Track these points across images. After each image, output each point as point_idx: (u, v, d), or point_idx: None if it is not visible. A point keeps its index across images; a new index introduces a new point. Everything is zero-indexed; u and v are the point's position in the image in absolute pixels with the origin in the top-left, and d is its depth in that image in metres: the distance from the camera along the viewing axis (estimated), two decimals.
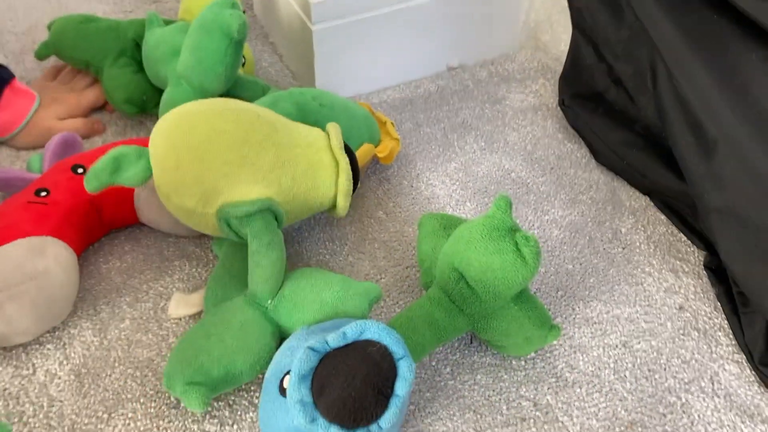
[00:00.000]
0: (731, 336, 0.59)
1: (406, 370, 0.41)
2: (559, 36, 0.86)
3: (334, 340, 0.41)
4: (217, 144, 0.52)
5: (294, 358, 0.44)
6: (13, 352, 0.56)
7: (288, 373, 0.44)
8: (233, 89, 0.70)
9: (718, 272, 0.62)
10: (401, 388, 0.41)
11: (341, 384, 0.39)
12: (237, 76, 0.68)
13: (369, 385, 0.39)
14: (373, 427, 0.40)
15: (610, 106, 0.73)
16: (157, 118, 0.75)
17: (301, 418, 0.39)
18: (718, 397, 0.55)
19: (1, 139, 0.72)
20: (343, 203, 0.57)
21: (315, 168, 0.56)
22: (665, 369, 0.57)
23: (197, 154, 0.51)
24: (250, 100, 0.65)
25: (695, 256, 0.65)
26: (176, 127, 0.53)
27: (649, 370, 0.56)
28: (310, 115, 0.64)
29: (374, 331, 0.41)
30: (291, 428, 0.43)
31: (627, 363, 0.57)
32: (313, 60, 0.76)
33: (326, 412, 0.39)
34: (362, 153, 0.65)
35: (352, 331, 0.41)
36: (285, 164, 0.54)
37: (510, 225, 0.49)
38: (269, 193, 0.53)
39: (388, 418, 0.40)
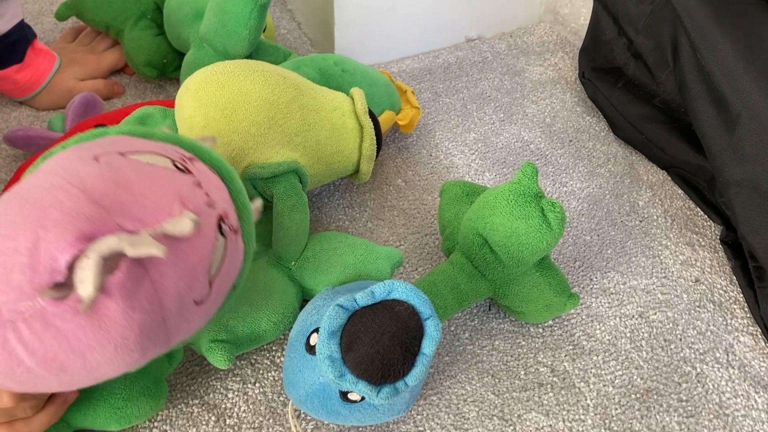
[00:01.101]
0: (746, 309, 0.59)
1: (433, 329, 0.41)
2: (579, 9, 0.86)
3: (362, 298, 0.42)
4: (246, 105, 0.52)
5: (321, 316, 0.44)
6: None
7: (315, 331, 0.45)
8: (255, 54, 0.70)
9: (734, 246, 0.63)
10: (428, 346, 0.41)
11: (369, 341, 0.40)
12: (259, 41, 0.68)
13: (397, 342, 0.40)
14: (400, 384, 0.41)
15: (630, 80, 0.73)
16: (178, 82, 0.76)
17: (329, 373, 0.40)
18: (733, 368, 0.56)
19: (23, 98, 0.72)
20: (366, 168, 0.58)
21: (339, 132, 0.56)
22: (681, 339, 0.57)
23: (225, 114, 0.52)
24: (274, 64, 0.65)
25: (712, 230, 0.66)
26: (205, 86, 0.53)
27: (665, 340, 0.57)
28: (332, 80, 0.64)
29: (402, 290, 0.42)
30: (317, 384, 0.43)
31: (643, 333, 0.58)
32: (333, 27, 0.76)
33: (354, 367, 0.40)
34: (383, 120, 0.65)
35: (381, 290, 0.42)
36: (311, 127, 0.55)
37: (536, 191, 0.50)
38: (295, 156, 0.54)
39: (414, 376, 0.41)
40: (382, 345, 0.40)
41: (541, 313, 0.55)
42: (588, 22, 0.77)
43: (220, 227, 0.37)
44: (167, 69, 0.75)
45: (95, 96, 0.67)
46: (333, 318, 0.41)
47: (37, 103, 0.73)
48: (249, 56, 0.69)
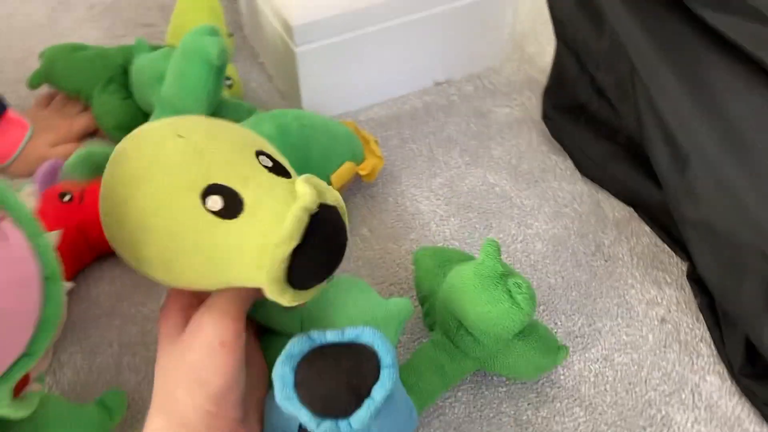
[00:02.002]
0: (713, 347, 0.59)
1: (386, 378, 0.41)
2: (545, 48, 0.86)
3: (331, 335, 0.42)
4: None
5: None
6: None
7: None
8: (218, 112, 0.71)
9: (700, 283, 0.62)
10: (378, 392, 0.41)
11: (320, 371, 0.40)
12: (221, 99, 0.70)
13: (345, 379, 0.40)
14: (343, 424, 0.40)
15: (593, 117, 0.73)
16: None
17: (278, 394, 0.40)
18: (699, 409, 0.55)
19: None
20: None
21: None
22: (646, 382, 0.57)
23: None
24: (236, 122, 0.66)
25: (678, 267, 0.65)
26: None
27: (629, 383, 0.57)
28: (291, 136, 0.65)
29: (369, 336, 0.42)
30: (281, 421, 0.44)
31: (608, 377, 0.57)
32: (298, 81, 0.77)
33: (301, 393, 0.40)
34: (343, 171, 0.66)
35: (350, 332, 0.42)
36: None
37: (500, 271, 0.49)
38: None
39: (358, 418, 0.40)
40: (331, 378, 0.40)
41: (532, 374, 0.55)
42: None
43: None
44: None
45: (61, 163, 0.68)
46: (295, 344, 0.41)
47: (11, 171, 0.74)
48: (213, 114, 0.70)
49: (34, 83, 0.79)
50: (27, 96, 0.84)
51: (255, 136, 0.44)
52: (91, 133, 0.80)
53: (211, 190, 0.38)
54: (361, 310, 0.52)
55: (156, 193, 0.38)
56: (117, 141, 0.75)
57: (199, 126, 0.42)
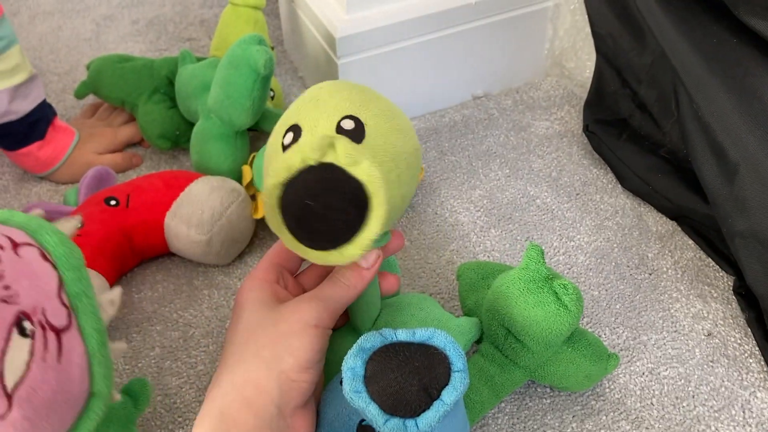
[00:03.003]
0: (762, 363, 0.57)
1: (458, 381, 0.41)
2: (584, 63, 0.86)
3: (402, 333, 0.42)
4: None
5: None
6: None
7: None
8: (261, 122, 0.72)
9: (748, 297, 0.61)
10: (448, 395, 0.40)
11: (392, 368, 0.40)
12: (264, 109, 0.71)
13: (417, 379, 0.39)
14: (410, 423, 0.40)
15: (635, 132, 0.73)
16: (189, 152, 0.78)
17: (347, 386, 0.39)
18: (750, 425, 0.54)
19: (43, 174, 0.76)
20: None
21: None
22: (693, 396, 0.56)
23: None
24: None
25: (724, 281, 0.64)
26: None
27: (676, 398, 0.56)
28: None
29: (441, 339, 0.41)
30: (342, 414, 0.43)
31: (654, 390, 0.56)
32: None
33: (370, 387, 0.39)
34: None
35: (422, 333, 0.42)
36: None
37: (545, 274, 0.49)
38: None
39: (426, 420, 0.40)
40: (403, 376, 0.39)
41: (583, 383, 0.54)
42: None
43: (21, 326, 0.32)
44: (180, 140, 0.78)
45: (108, 169, 0.70)
46: (368, 339, 0.41)
47: (58, 177, 0.76)
48: (255, 124, 0.71)
49: (80, 93, 0.81)
50: (73, 106, 0.86)
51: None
52: (135, 143, 0.81)
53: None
54: (432, 320, 0.52)
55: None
56: (161, 149, 0.77)
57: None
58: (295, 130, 0.41)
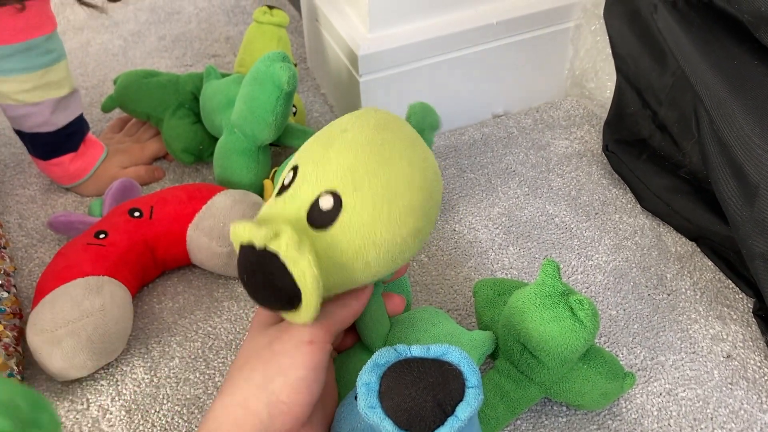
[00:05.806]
0: None
1: (472, 397, 0.41)
2: (605, 83, 0.87)
3: (417, 349, 0.42)
4: None
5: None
6: (70, 386, 0.59)
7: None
8: (283, 137, 0.73)
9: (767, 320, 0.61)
10: (462, 411, 0.40)
11: (406, 384, 0.40)
12: (287, 125, 0.72)
13: (432, 395, 0.39)
14: None
15: (655, 152, 0.73)
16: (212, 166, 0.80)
17: (362, 402, 0.39)
18: None
19: (70, 185, 0.77)
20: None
21: None
22: (712, 419, 0.55)
23: None
24: (299, 147, 0.68)
25: (744, 303, 0.64)
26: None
27: (694, 419, 0.55)
28: None
29: (455, 355, 0.42)
30: (356, 421, 0.43)
31: (671, 411, 0.56)
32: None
33: (385, 404, 0.40)
34: None
35: (436, 349, 0.42)
36: None
37: (561, 290, 0.49)
38: None
39: None
40: (417, 391, 0.39)
41: (599, 402, 0.53)
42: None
43: None
44: (203, 154, 0.79)
45: (132, 181, 0.71)
46: (382, 354, 0.41)
47: (83, 189, 0.77)
48: (277, 139, 0.72)
49: (106, 107, 0.83)
50: (99, 119, 0.88)
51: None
52: (161, 157, 0.83)
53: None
54: (445, 335, 0.52)
55: None
56: (184, 163, 0.78)
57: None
58: (295, 171, 0.43)
